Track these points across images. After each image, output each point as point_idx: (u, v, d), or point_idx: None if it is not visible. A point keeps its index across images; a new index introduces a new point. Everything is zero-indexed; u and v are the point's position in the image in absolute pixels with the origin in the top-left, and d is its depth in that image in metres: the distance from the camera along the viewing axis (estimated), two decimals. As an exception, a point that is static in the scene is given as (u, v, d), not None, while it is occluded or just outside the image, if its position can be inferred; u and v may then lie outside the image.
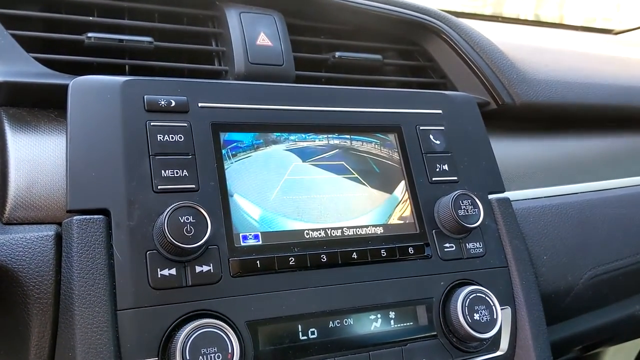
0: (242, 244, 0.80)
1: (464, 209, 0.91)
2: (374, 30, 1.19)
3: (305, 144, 0.90)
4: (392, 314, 0.86)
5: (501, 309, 0.90)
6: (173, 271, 0.75)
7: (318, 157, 0.90)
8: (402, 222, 0.91)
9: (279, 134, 0.89)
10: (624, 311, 1.31)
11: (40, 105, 0.86)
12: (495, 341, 0.92)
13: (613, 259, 1.14)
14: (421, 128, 0.99)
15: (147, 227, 0.75)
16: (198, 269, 0.76)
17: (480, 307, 0.88)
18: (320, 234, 0.85)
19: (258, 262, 0.79)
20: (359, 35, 1.18)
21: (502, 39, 1.29)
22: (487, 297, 0.89)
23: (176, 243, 0.72)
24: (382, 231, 0.89)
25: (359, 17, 1.15)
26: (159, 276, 0.74)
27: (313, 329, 0.81)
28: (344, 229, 0.87)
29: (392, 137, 0.96)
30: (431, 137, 0.99)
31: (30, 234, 0.74)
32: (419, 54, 1.24)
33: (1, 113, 0.83)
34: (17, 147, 0.80)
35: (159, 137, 0.81)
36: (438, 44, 1.21)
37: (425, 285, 0.89)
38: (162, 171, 0.79)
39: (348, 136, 0.94)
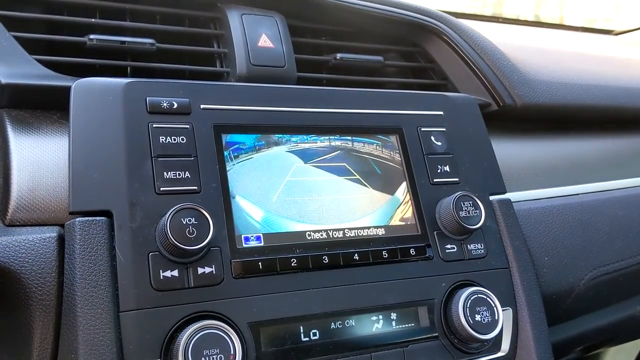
0: (244, 245, 0.80)
1: (465, 210, 0.91)
2: (375, 31, 1.19)
3: (306, 145, 0.90)
4: (393, 315, 0.86)
5: (502, 310, 0.90)
6: (175, 273, 0.75)
7: (320, 158, 0.90)
8: (403, 223, 0.91)
9: (281, 135, 0.89)
10: (625, 312, 1.31)
11: (42, 107, 0.86)
12: (497, 342, 0.92)
13: (614, 260, 1.14)
14: (422, 129, 0.99)
15: (150, 228, 0.76)
16: (200, 270, 0.76)
17: (481, 308, 0.88)
18: (321, 235, 0.85)
19: (260, 263, 0.80)
20: (360, 37, 1.18)
21: (503, 39, 1.29)
22: (488, 298, 0.89)
23: (178, 245, 0.72)
24: (383, 232, 0.89)
25: (360, 18, 1.15)
26: (161, 278, 0.74)
27: (315, 330, 0.81)
28: (346, 230, 0.87)
29: (393, 139, 0.96)
30: (432, 138, 0.99)
31: (32, 235, 0.74)
32: (420, 55, 1.24)
33: (3, 115, 0.83)
34: (19, 148, 0.80)
35: (161, 139, 0.81)
36: (439, 45, 1.21)
37: (426, 286, 0.89)
38: (165, 173, 0.79)
39: (349, 138, 0.94)
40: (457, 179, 0.98)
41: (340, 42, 1.15)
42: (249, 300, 0.78)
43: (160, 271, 0.74)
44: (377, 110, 0.97)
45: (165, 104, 0.83)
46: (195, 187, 0.80)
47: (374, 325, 0.85)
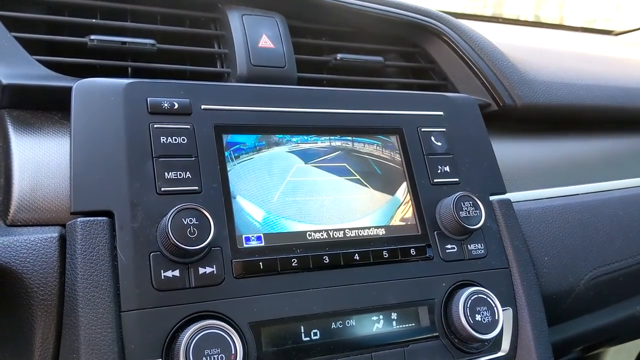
0: (245, 245, 0.80)
1: (466, 210, 0.91)
2: (375, 32, 1.19)
3: (307, 145, 0.91)
4: (394, 315, 0.86)
5: (503, 310, 0.90)
6: (176, 273, 0.75)
7: (320, 159, 0.91)
8: (403, 223, 0.92)
9: (281, 135, 0.89)
10: (625, 312, 1.31)
11: (43, 108, 0.86)
12: (497, 342, 0.93)
13: (614, 260, 1.14)
14: (422, 130, 0.99)
15: (151, 229, 0.76)
16: (201, 270, 0.76)
17: (481, 308, 0.88)
18: (322, 235, 0.85)
19: (261, 263, 0.80)
20: (360, 37, 1.18)
21: (503, 40, 1.29)
22: (488, 298, 0.89)
23: (180, 245, 0.72)
24: (383, 232, 0.89)
25: (360, 19, 1.15)
26: (163, 278, 0.74)
27: (315, 330, 0.81)
28: (346, 230, 0.87)
29: (393, 139, 0.97)
30: (432, 138, 0.99)
31: (34, 235, 0.74)
32: (420, 55, 1.24)
33: (5, 115, 0.84)
34: (20, 149, 0.80)
35: (162, 139, 0.81)
36: (439, 46, 1.21)
37: (427, 286, 0.89)
38: (165, 173, 0.79)
39: (350, 138, 0.94)
40: (457, 179, 0.98)
41: (341, 42, 1.16)
42: (250, 300, 0.78)
43: (162, 271, 0.74)
44: (378, 110, 0.98)
45: (166, 105, 0.83)
46: (196, 188, 0.80)
47: (375, 325, 0.85)
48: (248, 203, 0.83)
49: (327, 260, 0.84)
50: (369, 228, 0.89)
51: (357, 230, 0.88)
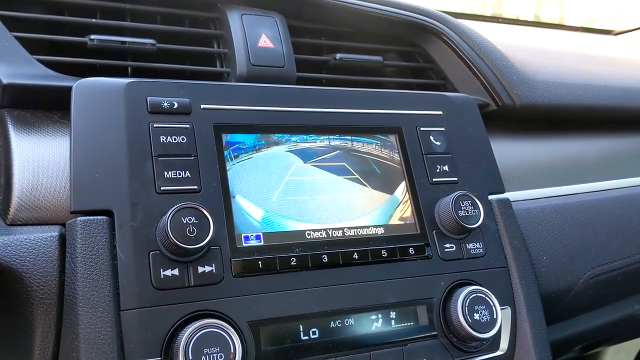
0: (244, 244, 0.81)
1: (464, 209, 0.92)
2: (375, 31, 1.19)
3: (306, 145, 0.91)
4: (392, 314, 0.86)
5: (501, 309, 0.90)
6: (176, 272, 0.75)
7: (319, 158, 0.91)
8: (402, 222, 0.92)
9: (281, 135, 0.90)
10: (623, 311, 1.32)
11: (43, 107, 0.86)
12: (495, 341, 0.93)
13: (612, 259, 1.14)
14: (422, 129, 1.00)
15: (150, 228, 0.76)
16: (200, 269, 0.76)
17: (480, 307, 0.88)
18: (321, 234, 0.86)
19: (260, 262, 0.80)
20: (359, 37, 1.18)
21: (502, 39, 1.29)
22: (487, 297, 0.89)
23: (179, 244, 0.72)
24: (382, 232, 0.90)
25: (360, 18, 1.15)
26: (162, 277, 0.74)
27: (314, 329, 0.81)
28: (345, 229, 0.87)
29: (392, 138, 0.97)
30: (431, 138, 1.00)
31: (34, 234, 0.74)
32: (419, 55, 1.25)
33: (5, 115, 0.84)
34: (21, 148, 0.81)
35: (161, 139, 0.81)
36: (438, 46, 1.21)
37: (425, 285, 0.89)
38: (165, 172, 0.80)
39: (349, 137, 0.94)
40: (456, 179, 0.98)
41: (340, 42, 1.16)
42: (249, 299, 0.78)
43: (161, 270, 0.75)
44: (377, 110, 0.98)
45: (165, 104, 0.84)
46: (196, 187, 0.80)
47: (373, 324, 0.85)
48: (247, 202, 0.83)
49: (326, 259, 0.84)
50: (367, 227, 0.89)
51: (356, 230, 0.88)
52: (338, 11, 1.12)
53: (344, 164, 0.92)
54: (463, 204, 0.92)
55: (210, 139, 0.84)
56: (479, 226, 0.92)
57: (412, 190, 0.94)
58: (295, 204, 0.86)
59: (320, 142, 0.92)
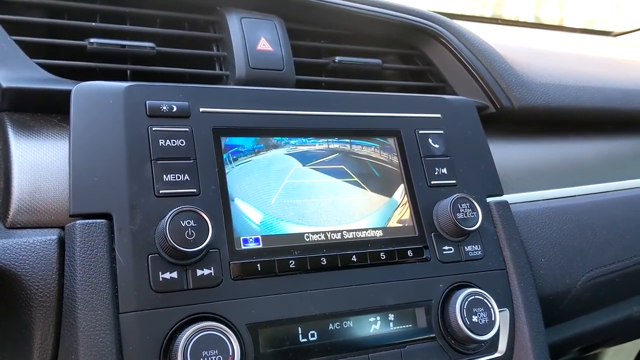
0: (243, 247, 0.81)
1: (463, 212, 0.92)
2: (374, 34, 1.20)
3: (305, 148, 0.91)
4: (391, 316, 0.87)
5: (499, 311, 0.90)
6: (174, 274, 0.75)
7: (318, 161, 0.91)
8: (401, 225, 0.92)
9: (280, 138, 0.90)
10: (622, 313, 1.32)
11: (43, 111, 0.86)
12: (494, 343, 0.93)
13: (611, 262, 1.15)
14: (420, 132, 1.00)
15: (149, 231, 0.76)
16: (199, 272, 0.77)
17: (478, 309, 0.88)
18: (320, 237, 0.86)
19: (258, 265, 0.80)
20: (358, 40, 1.18)
21: (502, 41, 1.29)
22: (485, 300, 0.89)
23: (178, 247, 0.73)
24: (381, 234, 0.90)
25: (359, 21, 1.15)
26: (161, 279, 0.75)
27: (313, 332, 0.81)
28: (344, 232, 0.88)
29: (391, 141, 0.97)
30: (430, 141, 1.00)
31: (33, 238, 0.75)
32: (418, 58, 1.25)
33: (4, 118, 0.84)
34: (20, 151, 0.81)
35: (160, 142, 0.82)
36: (437, 48, 1.21)
37: (424, 287, 0.90)
38: (164, 176, 0.80)
39: (348, 140, 0.94)
40: (454, 181, 0.99)
41: (339, 45, 1.16)
42: (248, 301, 0.78)
43: (160, 273, 0.75)
44: (376, 112, 0.98)
45: (164, 108, 0.84)
46: (195, 190, 0.81)
47: (372, 327, 0.85)
48: (246, 205, 0.84)
49: (324, 262, 0.84)
50: (366, 230, 0.89)
51: (354, 232, 0.88)
52: (337, 14, 1.12)
53: (343, 166, 0.92)
54: (461, 206, 0.92)
55: (209, 142, 0.84)
56: (477, 229, 0.92)
57: (411, 192, 0.95)
58: (294, 207, 0.86)
59: (319, 145, 0.92)
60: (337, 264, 0.85)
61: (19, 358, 0.76)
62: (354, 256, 0.86)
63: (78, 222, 0.75)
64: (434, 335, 0.88)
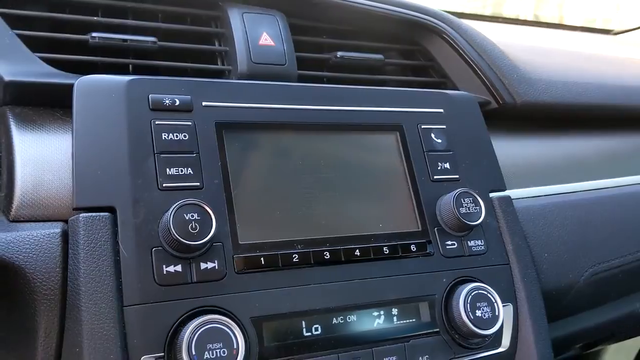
0: (247, 241, 0.81)
1: (466, 207, 0.92)
2: (376, 30, 1.20)
3: (307, 142, 0.91)
4: (394, 311, 0.86)
5: (503, 306, 0.90)
6: (178, 268, 0.75)
7: (320, 155, 0.91)
8: (404, 220, 0.92)
9: (282, 132, 0.90)
10: (625, 309, 1.32)
11: (45, 105, 0.86)
12: (497, 338, 0.93)
13: (613, 257, 1.15)
14: (423, 127, 1.00)
15: (153, 224, 0.76)
16: (203, 265, 0.76)
17: (482, 304, 0.88)
18: (323, 231, 0.86)
19: (262, 258, 0.80)
20: (360, 35, 1.18)
21: (502, 39, 1.29)
22: (489, 294, 0.89)
23: (181, 240, 0.73)
24: (384, 229, 0.90)
25: (361, 17, 1.15)
26: (165, 273, 0.75)
27: (317, 325, 0.81)
28: (347, 226, 0.87)
29: (394, 136, 0.97)
30: (433, 135, 1.00)
31: (36, 231, 0.75)
32: (420, 53, 1.25)
33: (7, 112, 0.84)
34: (23, 145, 0.81)
35: (163, 136, 0.82)
36: (439, 44, 1.21)
37: (427, 282, 0.89)
38: (167, 169, 0.80)
39: (350, 135, 0.94)
40: (457, 176, 0.98)
41: (341, 40, 1.16)
42: (252, 295, 0.78)
43: (164, 266, 0.75)
44: (378, 107, 0.98)
45: (167, 101, 0.84)
46: (198, 184, 0.81)
47: (375, 321, 0.85)
48: (249, 199, 0.83)
49: (327, 256, 0.84)
50: (369, 224, 0.89)
51: (357, 226, 0.88)
52: (339, 9, 1.12)
53: (346, 161, 0.92)
54: (464, 201, 0.92)
55: (212, 135, 0.84)
56: (480, 223, 0.92)
57: (414, 187, 0.94)
58: (297, 201, 0.86)
59: (321, 139, 0.92)
60: (340, 258, 0.85)
61: (23, 351, 0.76)
62: (357, 250, 0.86)
63: (82, 215, 0.75)
64: (437, 329, 0.88)
